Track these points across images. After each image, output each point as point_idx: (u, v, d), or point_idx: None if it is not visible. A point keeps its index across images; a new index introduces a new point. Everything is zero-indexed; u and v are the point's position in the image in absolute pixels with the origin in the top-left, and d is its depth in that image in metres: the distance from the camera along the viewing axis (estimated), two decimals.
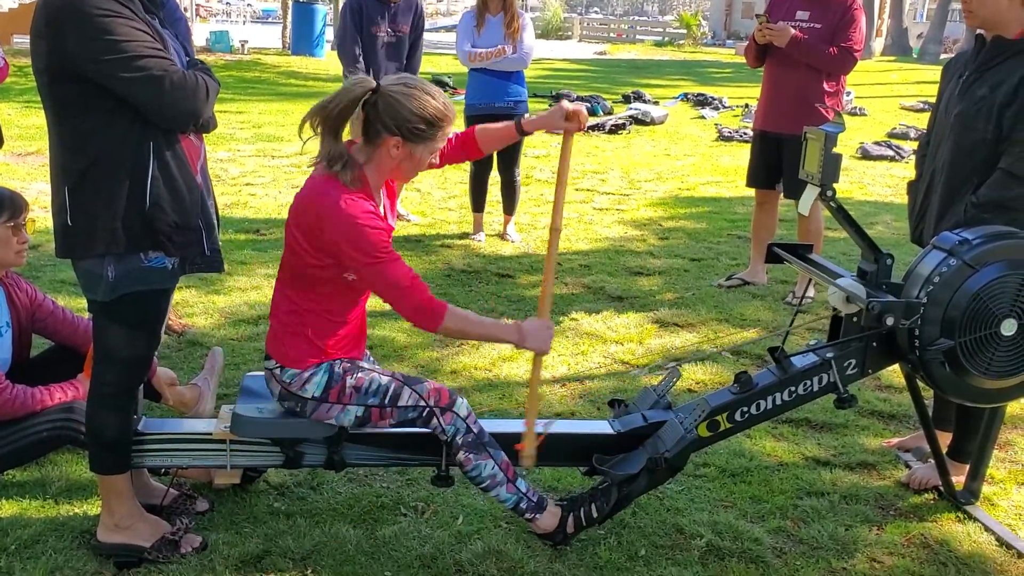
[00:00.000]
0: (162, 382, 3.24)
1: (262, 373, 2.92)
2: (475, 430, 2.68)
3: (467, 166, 6.47)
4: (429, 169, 2.76)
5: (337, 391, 2.60)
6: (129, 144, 2.38)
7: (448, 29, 38.10)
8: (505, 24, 6.00)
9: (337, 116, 2.45)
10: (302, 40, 20.01)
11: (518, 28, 6.00)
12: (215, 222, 2.63)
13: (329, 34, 21.18)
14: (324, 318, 2.60)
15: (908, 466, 3.42)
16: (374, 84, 2.46)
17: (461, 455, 2.66)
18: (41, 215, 5.73)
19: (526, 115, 2.78)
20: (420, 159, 2.54)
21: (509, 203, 6.54)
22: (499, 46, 6.00)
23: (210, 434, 2.76)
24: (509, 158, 6.33)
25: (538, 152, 9.92)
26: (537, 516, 2.75)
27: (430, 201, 7.56)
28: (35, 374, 3.08)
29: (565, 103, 2.73)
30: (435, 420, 2.65)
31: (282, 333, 2.61)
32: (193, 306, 4.78)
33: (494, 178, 6.50)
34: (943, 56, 26.60)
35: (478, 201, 6.56)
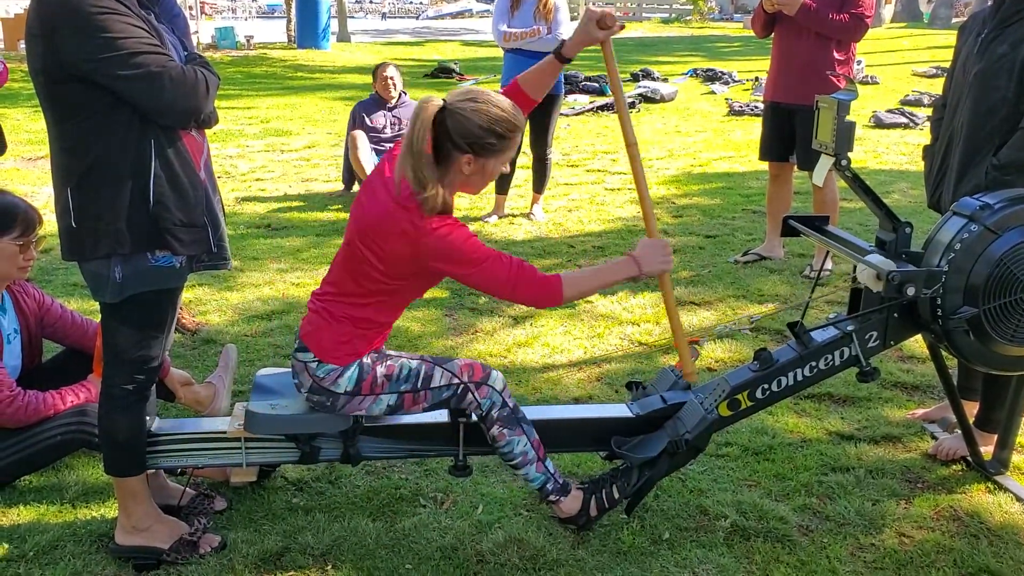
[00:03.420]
0: (175, 381, 3.22)
1: (275, 369, 2.90)
2: (511, 404, 2.65)
3: None
4: None
5: (369, 382, 2.56)
6: (130, 143, 2.34)
7: (453, 16, 37.98)
8: (539, 5, 6.02)
9: (416, 145, 2.37)
10: (307, 33, 19.96)
11: (551, 9, 6.01)
12: (221, 218, 2.60)
13: (334, 26, 21.15)
14: (378, 320, 2.57)
15: (934, 437, 3.36)
16: (441, 103, 2.40)
17: (495, 429, 2.63)
18: (51, 218, 5.73)
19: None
20: (492, 171, 2.49)
21: (539, 181, 6.53)
22: (533, 27, 6.01)
23: (225, 433, 2.74)
24: (541, 135, 6.32)
25: None
26: (562, 499, 2.72)
27: None
28: (47, 378, 3.07)
29: (592, 7, 2.64)
30: (470, 396, 2.61)
31: (329, 329, 2.54)
32: (206, 304, 4.76)
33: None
34: (955, 20, 26.26)
35: (503, 182, 6.54)
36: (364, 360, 2.57)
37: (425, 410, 2.66)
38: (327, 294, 2.59)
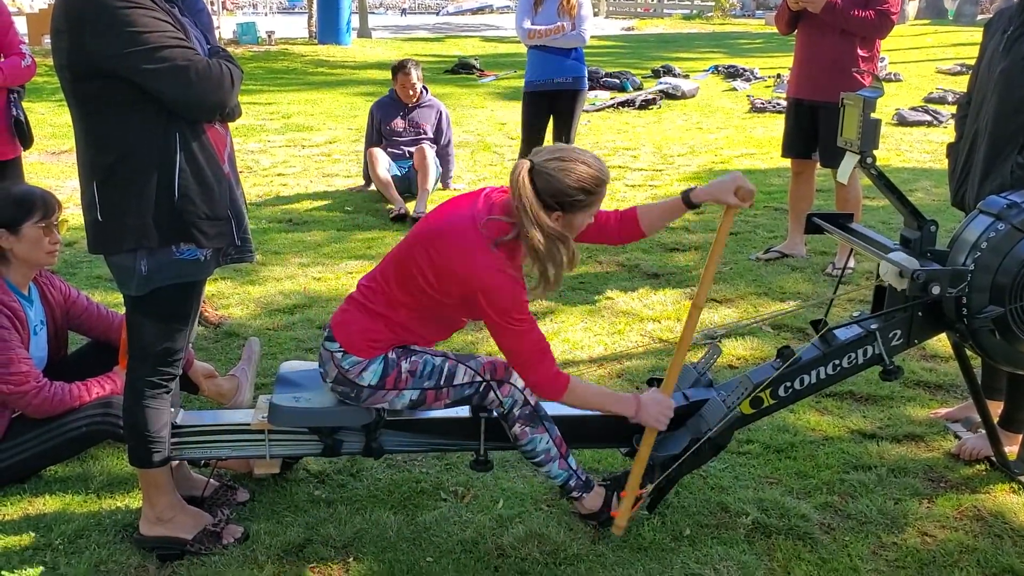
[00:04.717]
0: (199, 374, 3.24)
1: (299, 362, 2.91)
2: (532, 402, 2.66)
3: (514, 144, 6.48)
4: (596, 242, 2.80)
5: (393, 378, 2.57)
6: (155, 137, 2.35)
7: (474, 12, 37.96)
8: (563, 2, 6.03)
9: (521, 206, 2.39)
10: (328, 28, 20.01)
11: (575, 5, 6.01)
12: (244, 212, 2.61)
13: (355, 21, 21.20)
14: (413, 329, 2.59)
15: (957, 437, 3.33)
16: (529, 163, 2.42)
17: (517, 428, 2.64)
18: (76, 212, 5.78)
19: (694, 188, 2.65)
20: (580, 225, 2.51)
21: None
22: (557, 23, 6.01)
23: (248, 425, 2.76)
24: (563, 131, 6.32)
25: None
26: (584, 495, 2.73)
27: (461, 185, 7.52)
28: (72, 370, 3.10)
29: (739, 176, 2.60)
30: (492, 394, 2.62)
31: (362, 323, 2.56)
32: (229, 297, 4.79)
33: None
34: (980, 17, 26.00)
35: None
36: (389, 355, 2.58)
37: (447, 406, 2.68)
38: (370, 286, 2.60)
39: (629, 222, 2.74)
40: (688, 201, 2.66)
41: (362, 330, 2.55)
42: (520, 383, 2.64)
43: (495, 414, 2.67)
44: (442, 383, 2.60)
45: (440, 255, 2.45)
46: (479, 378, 2.61)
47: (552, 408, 2.78)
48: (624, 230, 2.76)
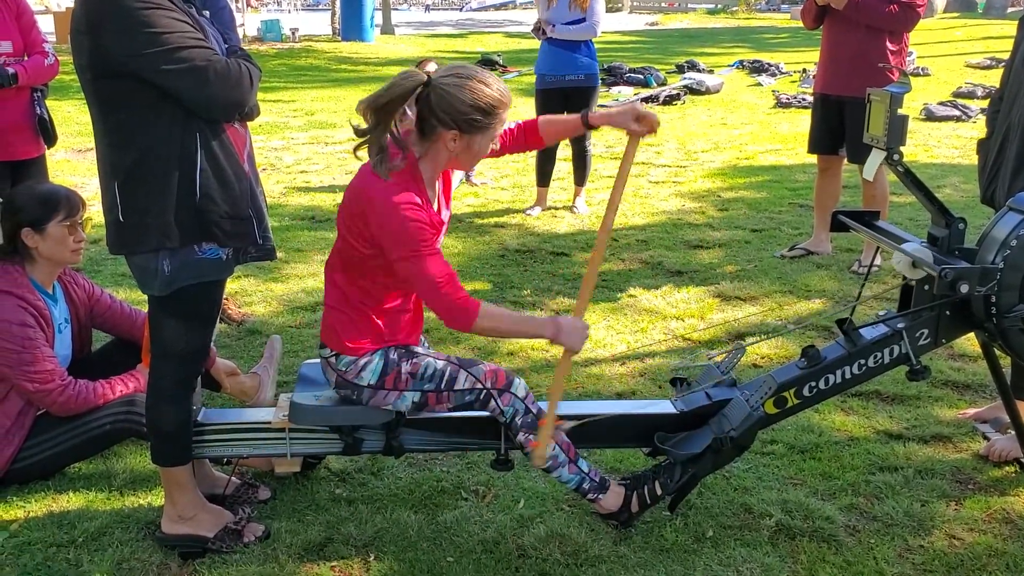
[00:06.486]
0: (221, 371, 3.25)
1: (320, 361, 2.91)
2: (534, 411, 2.64)
3: None
4: (488, 157, 2.74)
5: (393, 378, 2.57)
6: (175, 137, 2.35)
7: (497, 8, 37.94)
8: None
9: (384, 108, 2.40)
10: (352, 25, 20.10)
11: None
12: (265, 210, 2.61)
13: (378, 18, 21.26)
14: (377, 306, 2.58)
15: (986, 438, 3.28)
16: (424, 78, 2.41)
17: (521, 436, 2.62)
18: (101, 210, 5.81)
19: (594, 110, 2.68)
20: (479, 149, 2.50)
21: (580, 174, 6.52)
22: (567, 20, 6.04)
23: (270, 423, 2.76)
24: None
25: None
26: (600, 496, 2.70)
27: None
28: (96, 368, 3.11)
29: (638, 105, 2.63)
30: (493, 402, 2.61)
31: (335, 321, 2.59)
32: (251, 295, 4.81)
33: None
34: (1011, 10, 25.64)
35: (544, 175, 6.52)
36: (390, 355, 2.58)
37: (450, 410, 2.66)
38: (328, 286, 2.63)
39: (531, 132, 2.74)
40: (586, 122, 2.68)
41: (342, 328, 2.57)
42: (521, 392, 2.63)
43: (500, 422, 2.66)
44: (443, 387, 2.60)
45: (348, 207, 2.47)
46: (479, 385, 2.60)
47: (573, 408, 2.76)
48: (526, 139, 2.75)
